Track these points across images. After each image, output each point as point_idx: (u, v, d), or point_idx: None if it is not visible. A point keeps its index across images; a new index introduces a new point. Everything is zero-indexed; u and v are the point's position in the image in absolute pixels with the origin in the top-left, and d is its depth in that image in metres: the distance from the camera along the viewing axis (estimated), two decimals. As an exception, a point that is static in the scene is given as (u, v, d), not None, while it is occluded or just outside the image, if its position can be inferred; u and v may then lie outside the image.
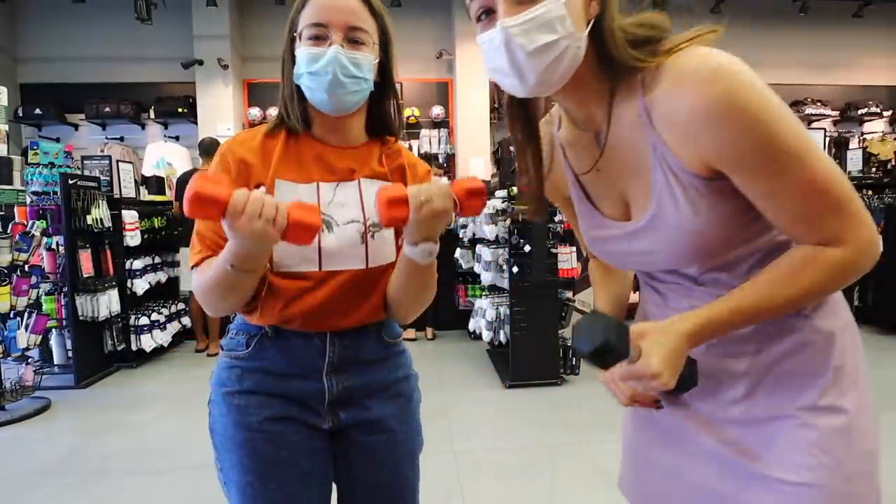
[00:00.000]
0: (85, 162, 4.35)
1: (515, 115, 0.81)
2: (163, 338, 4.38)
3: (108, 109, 6.33)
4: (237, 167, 0.94)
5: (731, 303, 0.67)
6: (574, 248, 3.83)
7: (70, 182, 3.67)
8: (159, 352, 4.47)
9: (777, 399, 0.72)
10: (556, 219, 3.55)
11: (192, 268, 0.93)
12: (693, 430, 0.80)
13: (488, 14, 0.71)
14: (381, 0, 0.98)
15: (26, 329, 3.36)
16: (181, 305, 4.81)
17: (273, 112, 4.90)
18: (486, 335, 3.86)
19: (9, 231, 3.31)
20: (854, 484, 0.69)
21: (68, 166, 3.90)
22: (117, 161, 4.45)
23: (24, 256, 3.33)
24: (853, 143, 6.76)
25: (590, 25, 0.67)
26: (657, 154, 0.68)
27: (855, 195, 0.64)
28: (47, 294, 3.70)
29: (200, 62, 6.20)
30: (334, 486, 1.04)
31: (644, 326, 0.68)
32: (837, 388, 0.71)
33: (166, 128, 6.63)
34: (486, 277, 3.90)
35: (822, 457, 0.68)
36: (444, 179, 0.86)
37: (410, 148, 7.02)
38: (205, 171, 0.75)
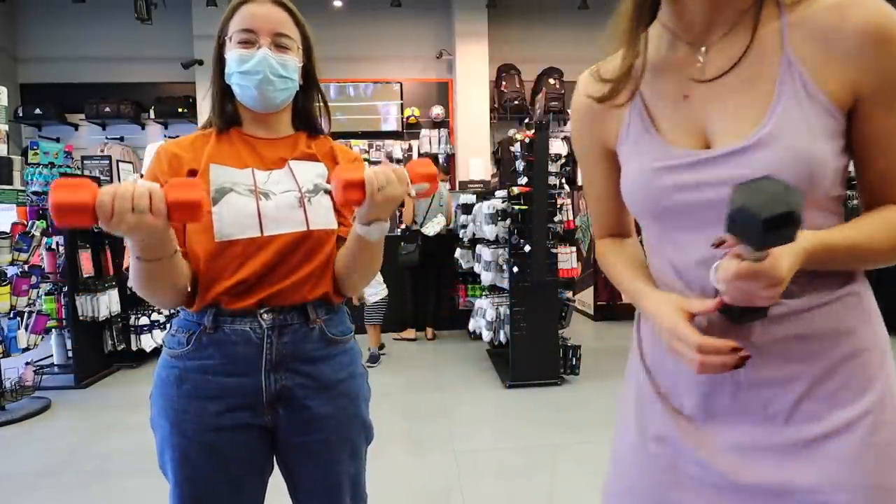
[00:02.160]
0: (85, 162, 4.36)
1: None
2: (163, 338, 4.37)
3: (108, 109, 6.34)
4: (169, 160, 1.00)
5: (845, 234, 0.64)
6: (574, 249, 3.83)
7: (70, 182, 3.67)
8: (159, 352, 4.45)
9: (829, 411, 0.67)
10: (556, 219, 3.55)
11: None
12: (730, 467, 0.71)
13: None
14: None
15: (26, 329, 3.36)
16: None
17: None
18: (486, 335, 3.86)
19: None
20: None
21: (68, 166, 3.90)
22: (117, 161, 4.45)
23: (24, 256, 3.34)
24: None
25: None
26: (791, 72, 0.65)
27: None
28: (47, 294, 3.70)
29: (200, 62, 6.20)
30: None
31: None
32: (888, 400, 0.68)
33: (166, 128, 6.64)
34: (486, 277, 3.90)
35: (876, 476, 0.65)
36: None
37: (410, 148, 7.04)
38: (63, 179, 0.73)
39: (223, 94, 1.05)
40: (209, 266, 0.95)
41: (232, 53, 0.99)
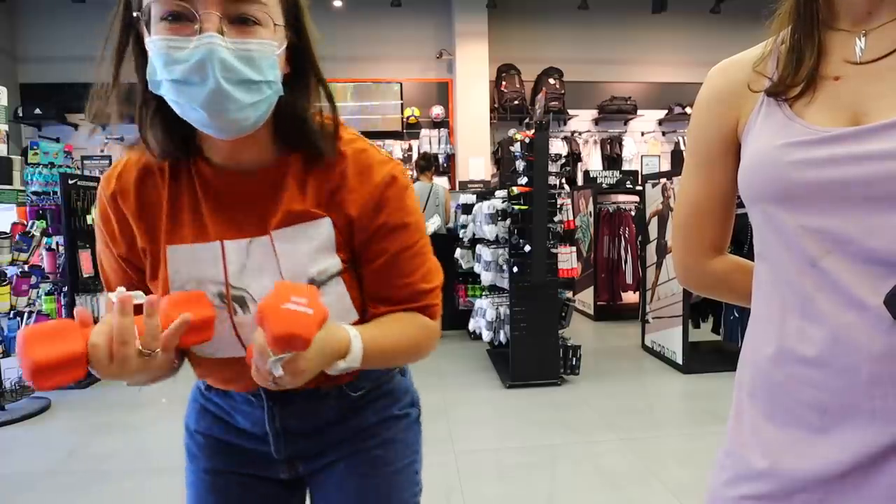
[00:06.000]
0: (85, 162, 4.36)
1: None
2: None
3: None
4: (120, 227, 0.74)
5: None
6: (574, 249, 3.83)
7: (70, 182, 3.67)
8: (159, 352, 4.46)
9: None
10: (556, 219, 3.55)
11: None
12: None
13: None
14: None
15: (26, 329, 3.36)
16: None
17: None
18: (486, 335, 3.86)
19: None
20: None
21: (68, 166, 3.90)
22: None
23: (24, 256, 3.34)
24: None
25: None
26: None
27: None
28: (47, 294, 3.70)
29: (200, 62, 6.20)
30: None
31: None
32: None
33: (166, 128, 6.63)
34: (486, 277, 3.90)
35: None
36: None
37: (410, 148, 7.02)
38: (34, 327, 0.54)
39: (150, 108, 0.66)
40: (190, 354, 0.78)
41: (153, 43, 0.59)
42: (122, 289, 0.61)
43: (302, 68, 0.70)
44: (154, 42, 0.59)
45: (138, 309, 0.60)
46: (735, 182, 0.72)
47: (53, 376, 0.53)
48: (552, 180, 3.51)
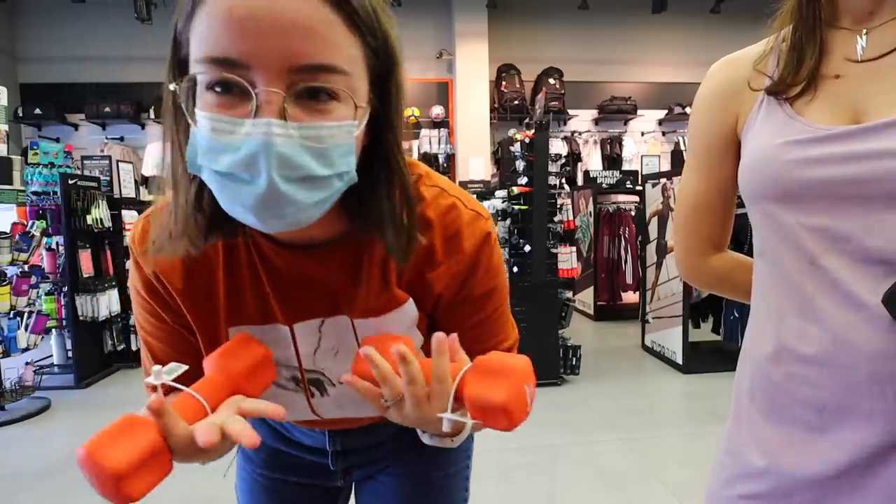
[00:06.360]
0: (85, 162, 4.36)
1: None
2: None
3: (108, 109, 6.34)
4: (172, 300, 0.62)
5: None
6: (574, 249, 3.83)
7: (70, 182, 3.67)
8: (159, 352, 4.46)
9: None
10: (556, 219, 3.55)
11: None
12: None
13: None
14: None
15: (26, 329, 3.36)
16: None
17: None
18: (486, 335, 3.85)
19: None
20: None
21: (68, 166, 3.90)
22: (117, 161, 4.45)
23: (24, 256, 3.34)
24: None
25: None
26: None
27: None
28: (47, 294, 3.70)
29: (200, 62, 6.20)
30: None
31: None
32: None
33: (166, 128, 6.63)
34: (486, 277, 3.90)
35: None
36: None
37: (410, 148, 6.99)
38: (93, 438, 0.43)
39: (195, 194, 0.52)
40: None
41: (199, 118, 0.45)
42: (159, 368, 0.52)
43: (378, 140, 0.53)
44: (199, 118, 0.45)
45: (182, 378, 0.53)
46: (735, 179, 0.72)
47: (142, 478, 0.44)
48: (552, 180, 3.51)
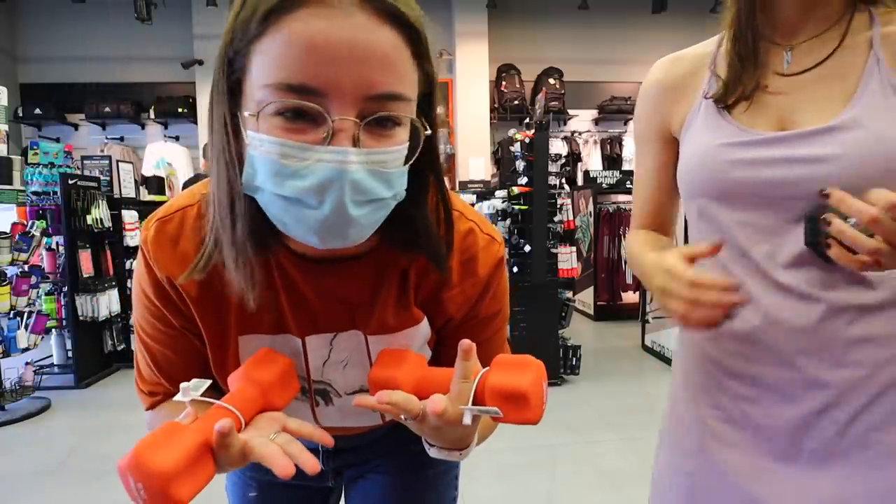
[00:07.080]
0: (85, 162, 4.36)
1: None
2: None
3: (108, 109, 6.34)
4: (184, 305, 0.61)
5: None
6: (574, 249, 3.83)
7: (70, 182, 3.67)
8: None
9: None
10: (556, 219, 3.55)
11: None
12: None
13: None
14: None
15: (26, 329, 3.36)
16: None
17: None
18: (486, 335, 3.86)
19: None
20: None
21: (68, 166, 3.90)
22: (117, 161, 4.45)
23: (24, 256, 3.34)
24: None
25: None
26: (878, 69, 0.66)
27: None
28: (47, 294, 3.70)
29: (200, 62, 6.20)
30: None
31: None
32: None
33: (166, 128, 6.63)
34: (486, 277, 3.90)
35: None
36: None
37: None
38: (137, 445, 0.44)
39: (240, 215, 0.50)
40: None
41: (264, 142, 0.45)
42: (188, 386, 0.52)
43: (425, 161, 0.54)
44: (262, 141, 0.45)
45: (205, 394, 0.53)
46: (671, 165, 0.81)
47: (189, 481, 0.44)
48: (552, 180, 3.51)
